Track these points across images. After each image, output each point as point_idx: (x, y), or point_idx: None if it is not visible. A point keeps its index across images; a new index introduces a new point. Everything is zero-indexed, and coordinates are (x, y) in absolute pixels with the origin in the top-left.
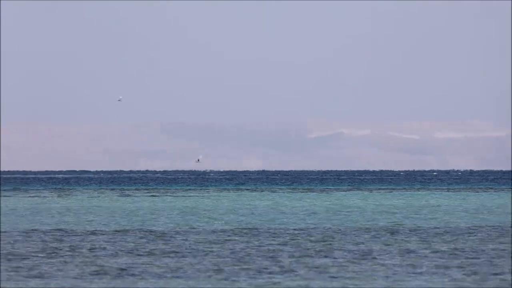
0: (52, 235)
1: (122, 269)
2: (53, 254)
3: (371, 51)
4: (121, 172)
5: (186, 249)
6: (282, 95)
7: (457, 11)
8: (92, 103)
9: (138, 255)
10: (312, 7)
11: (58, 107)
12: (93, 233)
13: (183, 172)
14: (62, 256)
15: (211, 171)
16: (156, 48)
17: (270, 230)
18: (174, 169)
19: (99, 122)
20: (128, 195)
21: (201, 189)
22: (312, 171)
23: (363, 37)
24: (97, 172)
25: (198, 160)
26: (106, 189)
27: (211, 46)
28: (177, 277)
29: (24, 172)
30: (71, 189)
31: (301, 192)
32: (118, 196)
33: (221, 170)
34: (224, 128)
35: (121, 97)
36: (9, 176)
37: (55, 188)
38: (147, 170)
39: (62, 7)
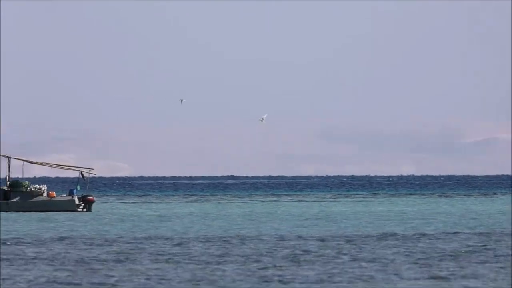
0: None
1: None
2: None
3: (371, 51)
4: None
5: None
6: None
7: (457, 11)
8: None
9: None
10: (312, 7)
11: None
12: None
13: (346, 177)
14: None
15: (376, 176)
16: (156, 48)
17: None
18: (332, 173)
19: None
20: (370, 200)
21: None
22: (477, 176)
23: (363, 37)
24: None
25: (262, 119)
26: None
27: (223, 47)
28: None
29: (190, 178)
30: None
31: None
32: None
33: (384, 175)
34: (378, 132)
35: (183, 99)
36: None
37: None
38: (310, 176)
39: (62, 7)
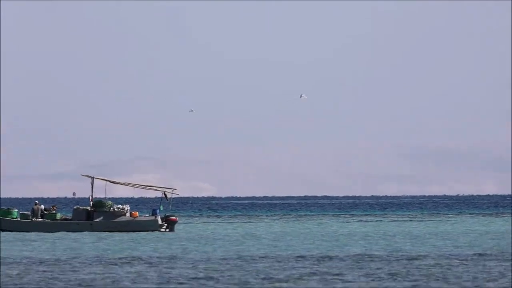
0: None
1: None
2: None
3: (371, 51)
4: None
5: None
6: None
7: (458, 11)
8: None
9: None
10: (312, 7)
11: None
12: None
13: (431, 196)
14: None
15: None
16: (156, 48)
17: None
18: (417, 193)
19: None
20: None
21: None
22: None
23: (363, 37)
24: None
25: (301, 96)
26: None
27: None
28: None
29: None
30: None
31: None
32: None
33: (453, 194)
34: (455, 150)
35: (192, 110)
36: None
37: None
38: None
39: (62, 7)
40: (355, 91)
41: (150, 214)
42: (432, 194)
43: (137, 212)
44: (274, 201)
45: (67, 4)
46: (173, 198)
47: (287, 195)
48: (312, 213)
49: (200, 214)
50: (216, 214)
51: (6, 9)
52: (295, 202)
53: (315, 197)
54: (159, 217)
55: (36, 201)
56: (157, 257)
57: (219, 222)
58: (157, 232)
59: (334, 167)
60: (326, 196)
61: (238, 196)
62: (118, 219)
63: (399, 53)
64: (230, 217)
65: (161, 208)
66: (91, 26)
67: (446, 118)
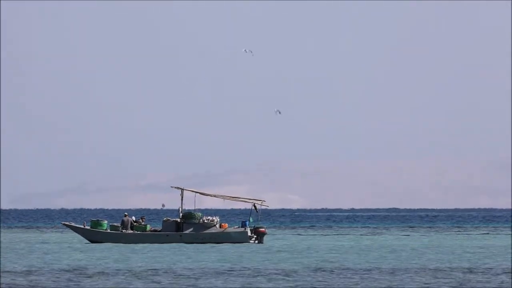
0: None
1: None
2: None
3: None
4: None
5: None
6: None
7: (457, 11)
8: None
9: None
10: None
11: None
12: None
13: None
14: None
15: None
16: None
17: None
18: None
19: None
20: None
21: None
22: None
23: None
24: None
25: (276, 111)
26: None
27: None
28: None
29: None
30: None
31: None
32: None
33: None
34: None
35: (277, 110)
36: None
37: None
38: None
39: (63, 7)
40: (449, 109)
41: (240, 225)
42: None
43: (226, 224)
44: (358, 213)
45: (67, 4)
46: (263, 210)
47: (381, 207)
48: (423, 226)
49: (289, 226)
50: (305, 225)
51: (6, 9)
52: (383, 214)
53: (407, 210)
54: (249, 228)
55: (126, 213)
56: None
57: (312, 234)
58: (247, 244)
59: (424, 180)
60: (407, 209)
61: (328, 208)
62: (207, 231)
63: (400, 53)
64: (321, 228)
65: (251, 220)
66: (91, 26)
67: None
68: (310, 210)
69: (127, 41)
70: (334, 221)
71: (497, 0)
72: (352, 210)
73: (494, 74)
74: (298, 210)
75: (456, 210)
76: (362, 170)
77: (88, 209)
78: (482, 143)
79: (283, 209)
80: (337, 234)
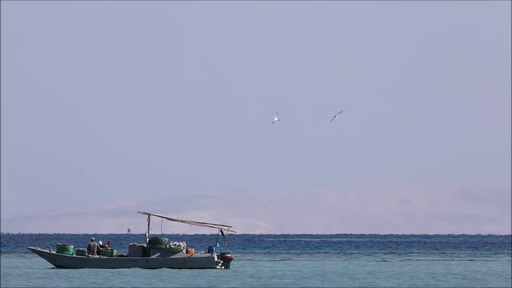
0: None
1: None
2: None
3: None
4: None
5: None
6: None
7: (457, 11)
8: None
9: None
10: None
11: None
12: None
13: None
14: None
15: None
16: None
17: None
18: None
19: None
20: None
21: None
22: None
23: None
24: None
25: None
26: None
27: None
28: None
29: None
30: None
31: None
32: None
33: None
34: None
35: (278, 119)
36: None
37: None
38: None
39: (62, 7)
40: (419, 132)
41: (206, 251)
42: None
43: (193, 249)
44: (323, 239)
45: (67, 4)
46: (229, 235)
47: (345, 232)
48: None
49: (256, 252)
50: (272, 251)
51: (6, 9)
52: (344, 240)
53: (374, 235)
54: (215, 254)
55: (93, 238)
56: None
57: (274, 260)
58: (213, 269)
59: (388, 207)
60: (373, 235)
61: (296, 233)
62: (174, 256)
63: (399, 53)
64: (287, 254)
65: (218, 245)
66: (91, 26)
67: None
68: (278, 236)
69: (99, 67)
70: (306, 246)
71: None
72: (318, 236)
73: (456, 105)
74: (265, 235)
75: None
76: (327, 197)
77: (56, 234)
78: (448, 171)
79: (249, 234)
80: (306, 260)
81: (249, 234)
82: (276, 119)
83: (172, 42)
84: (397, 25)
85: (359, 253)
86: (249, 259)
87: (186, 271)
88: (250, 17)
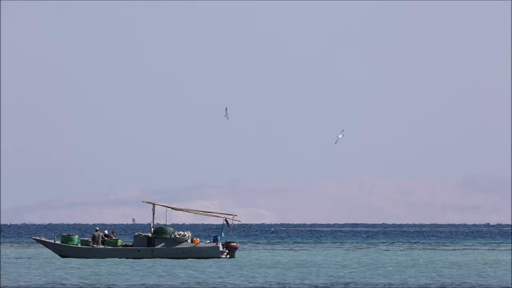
0: None
1: None
2: None
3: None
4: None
5: None
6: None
7: (457, 11)
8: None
9: None
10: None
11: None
12: None
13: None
14: None
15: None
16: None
17: None
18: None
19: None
20: None
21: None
22: None
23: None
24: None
25: (226, 114)
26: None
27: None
28: None
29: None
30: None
31: None
32: None
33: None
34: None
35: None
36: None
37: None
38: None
39: (62, 7)
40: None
41: (211, 240)
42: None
43: (198, 239)
44: (326, 228)
45: (68, 4)
46: (234, 225)
47: (347, 222)
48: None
49: (259, 241)
50: (278, 240)
51: (6, 9)
52: (348, 229)
53: (375, 225)
54: (220, 243)
55: (97, 228)
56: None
57: (282, 249)
58: (218, 259)
59: (391, 197)
60: (375, 224)
61: (298, 223)
62: (179, 246)
63: (399, 53)
64: (292, 243)
65: (223, 234)
66: (91, 27)
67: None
68: (282, 225)
69: (97, 63)
70: (315, 236)
71: None
72: (328, 225)
73: (457, 97)
74: (269, 225)
75: (423, 225)
76: (327, 188)
77: (59, 224)
78: (452, 162)
79: (254, 224)
80: (311, 249)
81: (254, 223)
82: (340, 136)
83: (172, 42)
84: (397, 25)
85: (417, 242)
86: (255, 248)
87: (192, 261)
88: (250, 17)
